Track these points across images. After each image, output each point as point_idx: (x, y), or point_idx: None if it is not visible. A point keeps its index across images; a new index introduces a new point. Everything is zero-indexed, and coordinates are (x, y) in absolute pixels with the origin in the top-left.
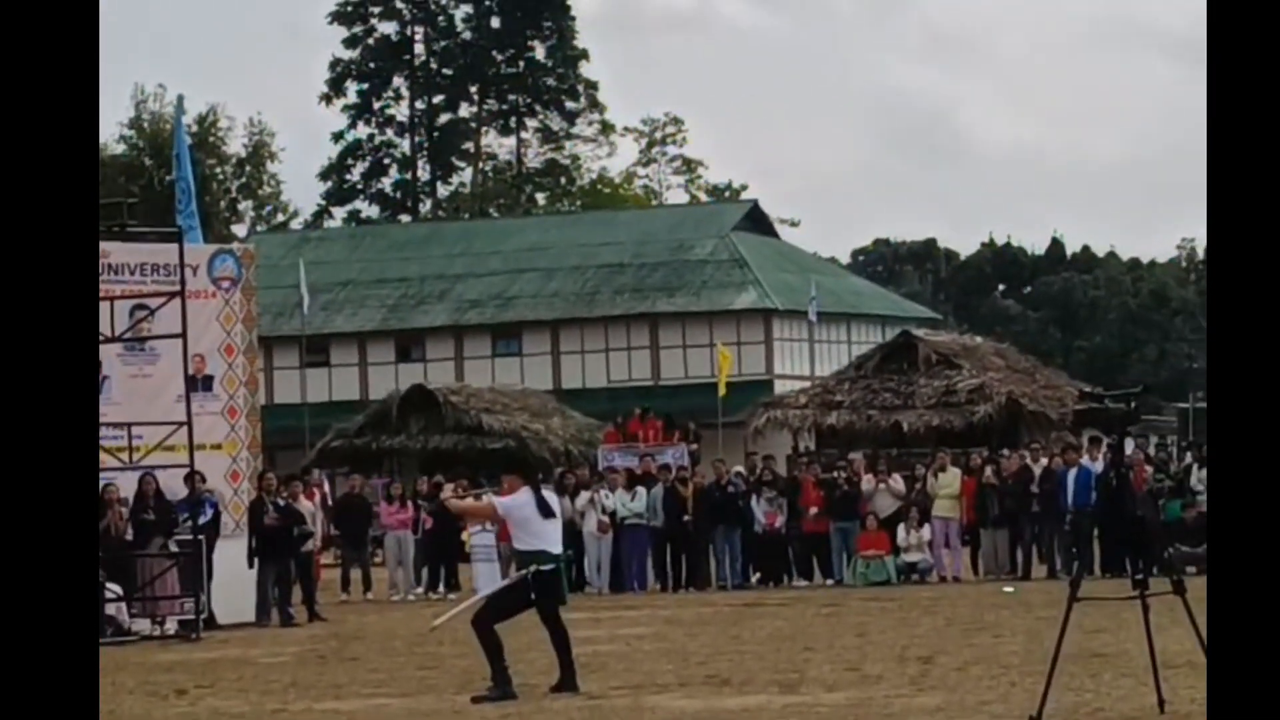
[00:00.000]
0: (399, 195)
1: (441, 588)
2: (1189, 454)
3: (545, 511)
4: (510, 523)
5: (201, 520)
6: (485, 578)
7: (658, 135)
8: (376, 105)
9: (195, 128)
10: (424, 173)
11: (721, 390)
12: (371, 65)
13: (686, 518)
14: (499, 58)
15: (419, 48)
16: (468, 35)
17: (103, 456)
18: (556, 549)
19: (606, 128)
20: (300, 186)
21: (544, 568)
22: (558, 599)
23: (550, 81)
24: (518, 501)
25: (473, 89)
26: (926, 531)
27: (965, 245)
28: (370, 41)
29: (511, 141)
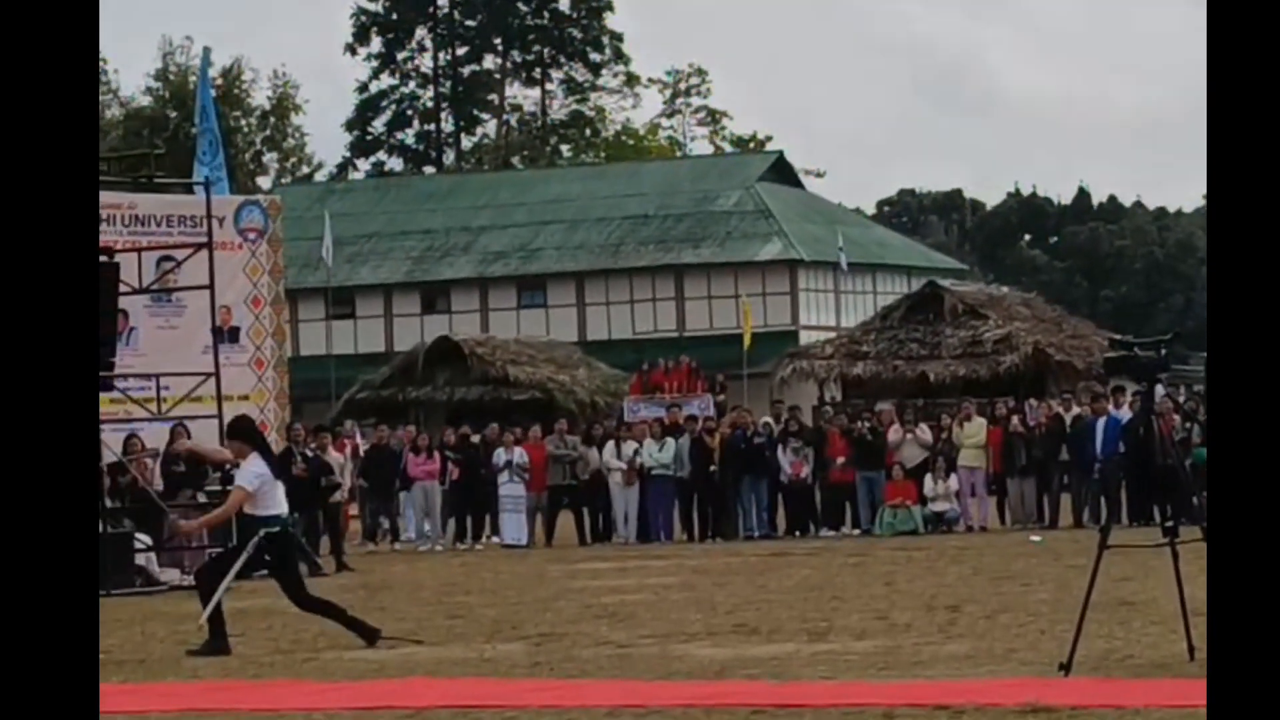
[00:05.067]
0: (423, 147)
1: (469, 538)
2: None
3: (276, 474)
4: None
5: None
6: (513, 528)
7: (682, 86)
8: (400, 56)
9: (220, 80)
10: (448, 124)
11: (747, 342)
12: (395, 16)
13: (713, 468)
14: (523, 9)
15: None
16: None
17: (130, 407)
18: (284, 511)
19: (631, 79)
20: (324, 138)
21: (272, 530)
22: (291, 569)
23: (575, 33)
24: (258, 473)
25: (496, 40)
26: (954, 481)
27: (991, 195)
28: None
29: (536, 93)
